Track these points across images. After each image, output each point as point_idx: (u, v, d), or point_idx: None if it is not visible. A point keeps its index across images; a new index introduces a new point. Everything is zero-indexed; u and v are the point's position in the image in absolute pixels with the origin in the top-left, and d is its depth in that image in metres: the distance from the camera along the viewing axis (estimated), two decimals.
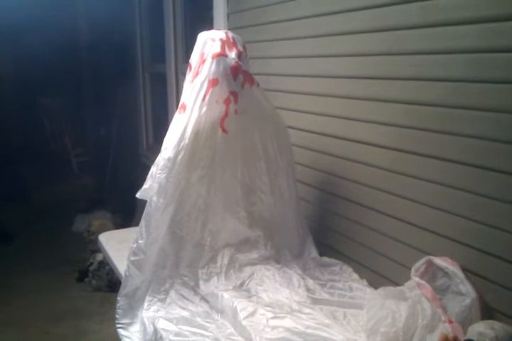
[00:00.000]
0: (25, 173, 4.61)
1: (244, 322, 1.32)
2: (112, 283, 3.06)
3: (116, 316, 1.54)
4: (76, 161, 5.21)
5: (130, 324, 1.51)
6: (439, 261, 1.28)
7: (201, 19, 3.00)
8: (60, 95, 4.97)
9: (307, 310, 1.38)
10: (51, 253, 3.68)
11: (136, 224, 1.62)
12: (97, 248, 2.45)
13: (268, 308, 1.38)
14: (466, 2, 1.21)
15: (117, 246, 2.04)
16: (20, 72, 4.50)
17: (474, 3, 1.19)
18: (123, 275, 1.60)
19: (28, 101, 4.81)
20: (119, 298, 1.55)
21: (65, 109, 5.16)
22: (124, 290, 1.55)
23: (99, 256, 3.16)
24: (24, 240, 3.94)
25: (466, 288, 1.19)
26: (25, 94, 4.69)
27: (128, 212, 3.89)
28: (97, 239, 2.27)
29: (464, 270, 1.24)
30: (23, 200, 4.46)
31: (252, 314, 1.35)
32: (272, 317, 1.33)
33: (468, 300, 1.17)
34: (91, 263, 3.28)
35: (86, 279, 3.28)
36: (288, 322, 1.31)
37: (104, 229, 3.07)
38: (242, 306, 1.38)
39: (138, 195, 1.59)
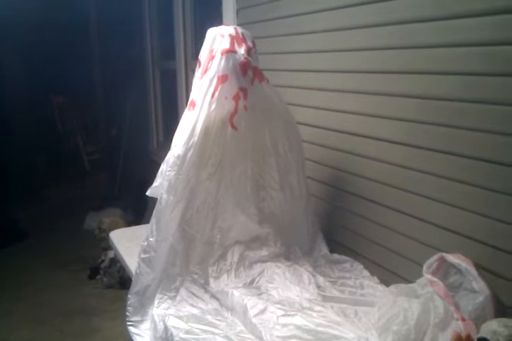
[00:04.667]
0: (38, 172, 4.65)
1: (254, 320, 1.32)
2: (123, 280, 3.08)
3: (127, 314, 1.54)
4: (88, 159, 5.25)
5: (141, 321, 1.52)
6: (452, 258, 1.26)
7: (210, 15, 2.99)
8: (72, 94, 5.00)
9: (318, 308, 1.37)
10: (63, 251, 3.72)
11: (147, 221, 1.62)
12: (109, 245, 2.46)
13: (278, 306, 1.37)
14: None
15: (128, 244, 2.04)
16: (32, 72, 4.53)
17: None
18: (133, 272, 1.61)
19: (40, 100, 4.85)
20: (129, 296, 1.56)
21: (77, 107, 5.20)
22: (134, 287, 1.56)
23: (111, 254, 3.18)
24: (37, 238, 3.99)
25: (479, 285, 1.17)
26: (38, 93, 4.73)
27: (139, 209, 3.91)
28: (108, 236, 2.28)
29: (477, 267, 1.22)
30: (35, 198, 4.50)
31: (263, 311, 1.34)
32: (283, 315, 1.32)
33: (481, 298, 1.15)
34: (102, 261, 3.30)
35: (98, 276, 3.31)
36: (298, 319, 1.30)
37: (115, 226, 3.08)
38: (253, 304, 1.37)
39: (148, 193, 1.59)
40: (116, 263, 3.07)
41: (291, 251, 1.67)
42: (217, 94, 1.47)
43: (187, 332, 1.33)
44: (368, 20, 1.56)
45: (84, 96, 5.15)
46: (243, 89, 1.51)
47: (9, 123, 4.52)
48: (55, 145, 5.06)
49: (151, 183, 1.57)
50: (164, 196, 1.51)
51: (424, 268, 1.30)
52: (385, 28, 1.49)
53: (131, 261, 1.78)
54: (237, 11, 2.39)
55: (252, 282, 1.53)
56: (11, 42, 4.40)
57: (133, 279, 1.59)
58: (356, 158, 1.69)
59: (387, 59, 1.50)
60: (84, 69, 4.90)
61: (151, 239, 1.54)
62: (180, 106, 3.39)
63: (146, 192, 1.59)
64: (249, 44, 1.54)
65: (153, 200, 1.57)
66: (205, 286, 1.53)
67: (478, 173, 1.23)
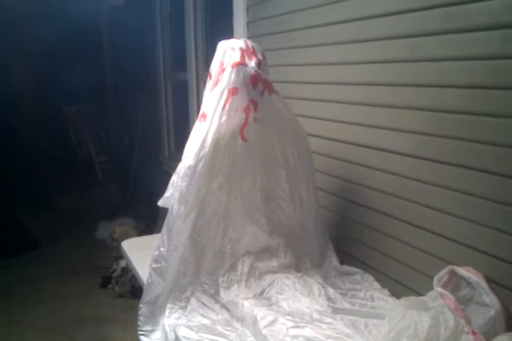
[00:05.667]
0: (51, 180, 4.70)
1: (264, 331, 1.32)
2: (134, 290, 3.09)
3: (139, 323, 1.55)
4: (100, 168, 5.29)
5: (152, 331, 1.53)
6: (463, 271, 1.26)
7: (221, 28, 3.04)
8: (85, 104, 5.07)
9: (328, 320, 1.37)
10: (75, 260, 3.74)
11: (159, 230, 1.64)
12: (120, 254, 2.47)
13: (288, 317, 1.37)
14: (488, 8, 1.20)
15: (139, 253, 2.05)
16: (44, 82, 4.60)
17: (496, 9, 1.18)
18: (145, 282, 1.62)
19: (53, 110, 4.92)
20: (141, 305, 1.57)
21: (90, 117, 5.26)
22: (146, 297, 1.57)
23: (123, 263, 3.19)
24: (49, 246, 4.01)
25: (490, 298, 1.17)
26: (51, 103, 4.79)
27: (151, 218, 3.93)
28: (120, 245, 2.30)
29: (488, 280, 1.21)
30: (47, 207, 4.55)
31: (273, 323, 1.35)
32: (293, 327, 1.32)
33: (492, 312, 1.15)
34: (114, 270, 3.32)
35: (109, 285, 3.32)
36: (308, 331, 1.30)
37: (126, 235, 3.10)
38: (263, 315, 1.38)
39: (159, 203, 1.61)
40: (128, 272, 3.09)
41: (301, 262, 1.68)
42: (227, 106, 1.49)
43: None
44: (377, 33, 1.57)
45: (97, 107, 5.22)
46: (253, 102, 1.53)
47: (22, 133, 4.59)
48: (67, 155, 5.12)
49: (163, 193, 1.59)
50: (175, 206, 1.52)
51: (435, 280, 1.30)
52: (394, 40, 1.50)
53: (143, 271, 1.79)
54: (248, 24, 2.42)
55: (262, 293, 1.53)
56: (23, 54, 4.48)
57: (144, 289, 1.60)
58: (365, 170, 1.69)
59: (396, 71, 1.51)
60: (96, 80, 4.96)
61: (162, 249, 1.55)
62: (191, 117, 3.42)
63: (157, 201, 1.61)
64: (260, 57, 1.56)
65: (165, 210, 1.58)
66: (215, 296, 1.53)
67: (490, 186, 1.23)
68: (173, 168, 1.58)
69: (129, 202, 4.79)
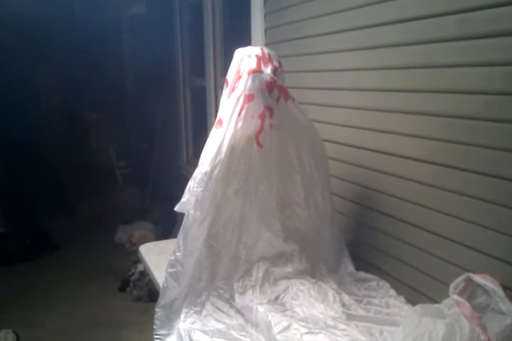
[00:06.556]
0: (71, 185, 4.78)
1: (278, 337, 1.32)
2: (151, 293, 3.12)
3: (154, 327, 1.57)
4: (120, 173, 5.36)
5: (167, 335, 1.54)
6: (479, 279, 1.24)
7: (240, 34, 3.06)
8: (105, 110, 5.15)
9: (342, 326, 1.36)
10: (94, 263, 3.79)
11: (176, 235, 1.65)
12: (139, 258, 2.50)
13: (302, 323, 1.37)
14: (503, 14, 1.19)
15: (157, 258, 2.08)
16: (67, 88, 4.70)
17: (511, 15, 1.17)
18: (161, 286, 1.64)
19: (74, 116, 5.01)
20: (156, 309, 1.58)
21: (110, 123, 5.34)
22: (161, 301, 1.59)
23: (140, 267, 3.22)
24: (68, 249, 4.08)
25: (507, 306, 1.15)
26: (72, 110, 4.89)
27: (169, 223, 3.95)
28: (138, 249, 2.33)
29: (505, 288, 1.20)
30: (67, 211, 4.62)
31: (287, 328, 1.35)
32: (306, 333, 1.32)
33: (508, 320, 1.13)
34: (132, 274, 3.35)
35: (127, 289, 3.36)
36: (322, 337, 1.30)
37: (145, 240, 3.14)
38: (277, 320, 1.38)
39: (176, 208, 1.62)
40: (146, 276, 3.11)
41: (316, 268, 1.67)
42: (243, 112, 1.50)
43: None
44: (393, 40, 1.57)
45: (117, 112, 5.29)
46: (269, 108, 1.54)
47: (44, 138, 4.69)
48: (88, 159, 5.20)
49: (181, 198, 1.60)
50: (191, 212, 1.54)
51: (451, 288, 1.28)
52: (410, 47, 1.50)
53: (160, 275, 1.81)
54: (266, 30, 2.45)
55: (276, 298, 1.53)
56: (46, 62, 4.57)
57: (160, 293, 1.62)
58: (381, 175, 1.69)
59: (410, 77, 1.51)
60: (117, 86, 5.04)
61: (178, 254, 1.57)
62: (209, 123, 3.45)
63: (175, 206, 1.63)
64: (276, 64, 1.58)
65: (182, 215, 1.60)
66: (230, 301, 1.54)
67: (506, 194, 1.22)
68: (191, 173, 1.59)
69: (148, 206, 4.83)
